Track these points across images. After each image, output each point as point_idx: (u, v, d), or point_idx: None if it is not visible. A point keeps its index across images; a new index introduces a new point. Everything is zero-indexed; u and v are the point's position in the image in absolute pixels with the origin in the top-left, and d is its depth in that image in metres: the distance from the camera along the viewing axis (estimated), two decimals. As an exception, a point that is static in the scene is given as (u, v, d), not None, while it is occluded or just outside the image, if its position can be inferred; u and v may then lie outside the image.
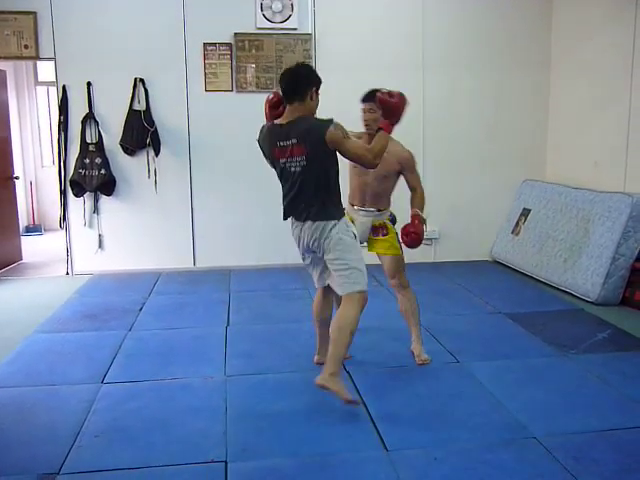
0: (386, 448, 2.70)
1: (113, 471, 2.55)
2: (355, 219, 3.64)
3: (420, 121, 6.17)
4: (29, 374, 3.55)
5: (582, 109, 5.87)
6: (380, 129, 3.06)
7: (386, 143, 3.03)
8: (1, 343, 4.07)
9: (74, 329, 4.36)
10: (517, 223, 6.19)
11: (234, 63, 5.88)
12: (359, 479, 2.49)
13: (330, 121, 2.95)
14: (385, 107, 3.09)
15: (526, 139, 6.39)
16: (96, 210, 5.96)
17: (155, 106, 5.85)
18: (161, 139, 5.88)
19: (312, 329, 3.64)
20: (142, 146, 5.81)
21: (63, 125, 5.83)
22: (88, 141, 5.81)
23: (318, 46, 5.93)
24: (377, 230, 3.73)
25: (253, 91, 5.90)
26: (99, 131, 5.81)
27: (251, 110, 5.54)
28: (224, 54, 5.87)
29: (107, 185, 5.84)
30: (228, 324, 4.46)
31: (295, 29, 5.87)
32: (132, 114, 5.79)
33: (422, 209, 3.63)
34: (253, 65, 5.90)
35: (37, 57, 5.77)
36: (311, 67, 3.20)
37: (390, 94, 3.09)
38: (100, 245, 6.01)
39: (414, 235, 3.55)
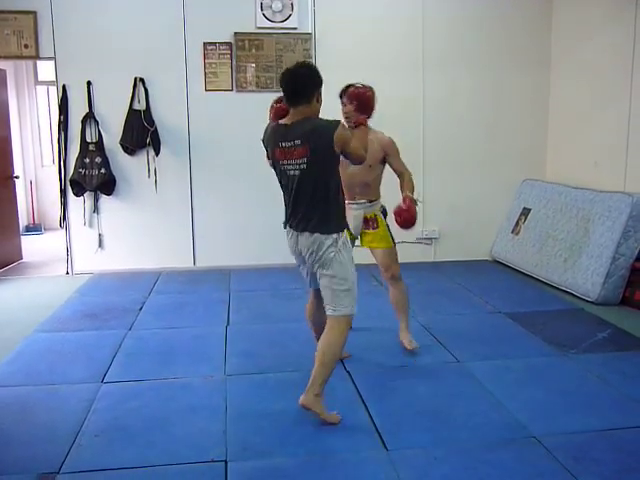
0: (386, 448, 2.70)
1: (113, 470, 2.55)
2: (347, 215, 3.65)
3: (420, 121, 6.17)
4: (29, 373, 3.55)
5: (582, 109, 5.86)
6: (360, 124, 3.13)
7: (367, 137, 3.14)
8: (1, 343, 4.07)
9: (74, 328, 4.36)
10: (517, 223, 6.19)
11: (234, 63, 5.88)
12: (359, 479, 2.49)
13: (338, 122, 2.88)
14: (359, 100, 3.26)
15: (526, 138, 6.39)
16: (96, 209, 5.96)
17: (155, 106, 5.85)
18: (161, 139, 5.88)
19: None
20: (142, 146, 5.80)
21: (63, 124, 5.83)
22: (88, 140, 5.81)
23: (318, 46, 5.93)
24: (368, 223, 3.80)
25: (253, 90, 5.90)
26: (99, 130, 5.81)
27: (251, 110, 5.57)
28: (224, 53, 5.87)
29: (107, 184, 5.84)
30: (228, 323, 4.46)
31: (295, 28, 5.87)
32: (132, 114, 5.79)
33: (412, 191, 3.65)
34: (253, 65, 5.89)
35: (37, 56, 5.77)
36: (313, 66, 3.03)
37: (363, 87, 3.37)
38: (100, 244, 6.01)
39: (406, 214, 3.54)
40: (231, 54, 5.86)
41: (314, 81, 2.92)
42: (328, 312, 2.98)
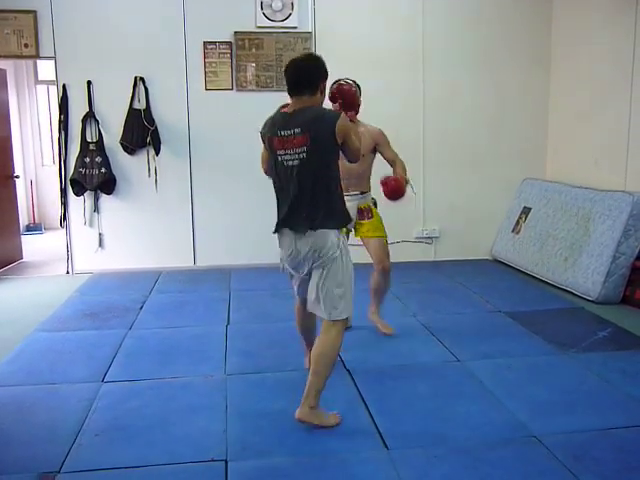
0: (386, 447, 2.70)
1: (113, 470, 2.55)
2: None
3: (420, 120, 6.17)
4: (30, 373, 3.56)
5: (582, 107, 5.86)
6: (351, 121, 3.12)
7: (359, 134, 3.15)
8: (1, 342, 4.07)
9: (74, 328, 4.36)
10: (517, 222, 6.18)
11: (234, 62, 5.88)
12: (359, 478, 2.49)
13: (339, 113, 2.85)
14: (344, 97, 3.28)
15: (526, 137, 6.38)
16: (96, 209, 5.96)
17: (155, 105, 5.85)
18: (161, 138, 5.87)
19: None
20: (142, 145, 5.80)
21: (63, 124, 5.83)
22: (88, 140, 5.81)
23: (318, 45, 5.92)
24: (362, 213, 3.86)
25: (253, 90, 5.90)
26: (99, 130, 5.81)
27: (251, 109, 5.55)
28: (224, 53, 5.86)
29: (107, 184, 5.84)
30: (228, 323, 4.46)
31: (295, 28, 5.87)
32: (132, 113, 5.79)
33: (405, 174, 3.70)
34: (253, 64, 5.89)
35: (37, 56, 5.76)
36: (320, 57, 2.95)
37: (347, 84, 3.42)
38: (100, 244, 6.01)
39: (394, 182, 3.55)
40: (231, 53, 5.86)
41: (320, 72, 2.86)
42: (327, 317, 2.85)
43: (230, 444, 2.72)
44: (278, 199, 2.93)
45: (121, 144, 5.83)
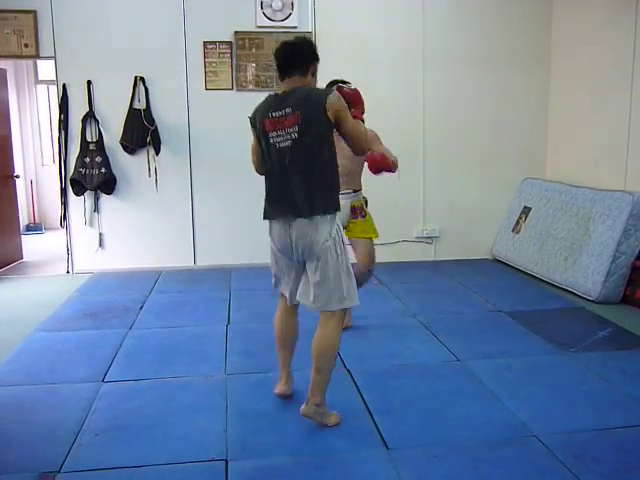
0: (386, 447, 2.70)
1: (113, 470, 2.55)
2: None
3: (420, 120, 6.17)
4: (30, 373, 3.55)
5: (582, 107, 5.86)
6: (355, 118, 2.93)
7: (366, 130, 2.97)
8: (1, 342, 4.07)
9: (74, 328, 4.36)
10: (517, 221, 6.18)
11: (234, 62, 5.88)
12: (359, 478, 2.49)
13: (331, 90, 2.78)
14: (353, 100, 3.23)
15: (526, 137, 6.38)
16: (96, 209, 5.96)
17: (155, 105, 5.85)
18: (161, 137, 5.88)
19: (312, 327, 2.94)
20: (142, 145, 5.80)
21: (63, 124, 5.83)
22: (88, 140, 5.81)
23: (318, 44, 5.84)
24: (355, 212, 3.87)
25: (253, 90, 5.89)
26: (99, 130, 5.81)
27: (251, 108, 5.50)
28: (224, 53, 5.86)
29: (107, 184, 5.84)
30: (228, 322, 4.46)
31: (295, 27, 5.86)
32: (132, 113, 5.79)
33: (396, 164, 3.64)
34: (253, 64, 5.89)
35: (37, 56, 5.76)
36: (311, 40, 2.94)
37: (350, 89, 3.19)
38: (101, 244, 6.01)
39: (380, 156, 3.47)
40: (231, 53, 5.86)
41: (310, 53, 2.84)
42: (324, 308, 2.77)
43: (230, 444, 2.72)
44: (268, 184, 2.86)
45: (121, 144, 5.83)
